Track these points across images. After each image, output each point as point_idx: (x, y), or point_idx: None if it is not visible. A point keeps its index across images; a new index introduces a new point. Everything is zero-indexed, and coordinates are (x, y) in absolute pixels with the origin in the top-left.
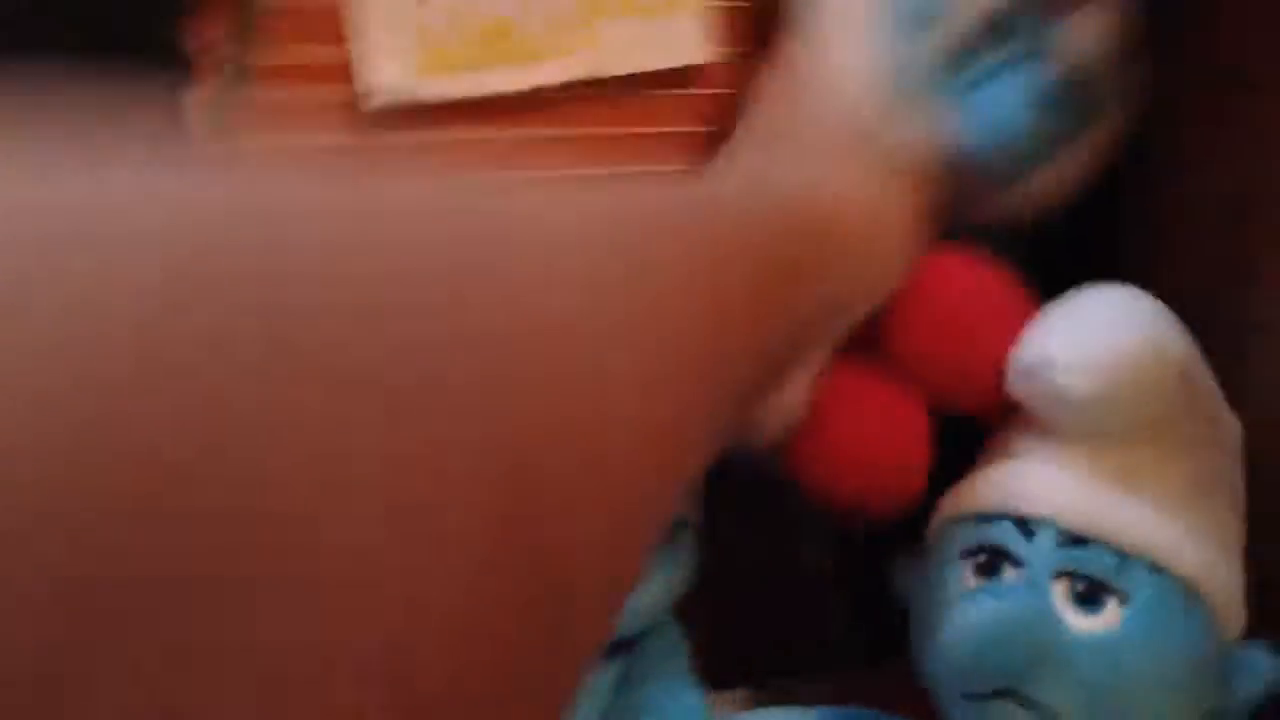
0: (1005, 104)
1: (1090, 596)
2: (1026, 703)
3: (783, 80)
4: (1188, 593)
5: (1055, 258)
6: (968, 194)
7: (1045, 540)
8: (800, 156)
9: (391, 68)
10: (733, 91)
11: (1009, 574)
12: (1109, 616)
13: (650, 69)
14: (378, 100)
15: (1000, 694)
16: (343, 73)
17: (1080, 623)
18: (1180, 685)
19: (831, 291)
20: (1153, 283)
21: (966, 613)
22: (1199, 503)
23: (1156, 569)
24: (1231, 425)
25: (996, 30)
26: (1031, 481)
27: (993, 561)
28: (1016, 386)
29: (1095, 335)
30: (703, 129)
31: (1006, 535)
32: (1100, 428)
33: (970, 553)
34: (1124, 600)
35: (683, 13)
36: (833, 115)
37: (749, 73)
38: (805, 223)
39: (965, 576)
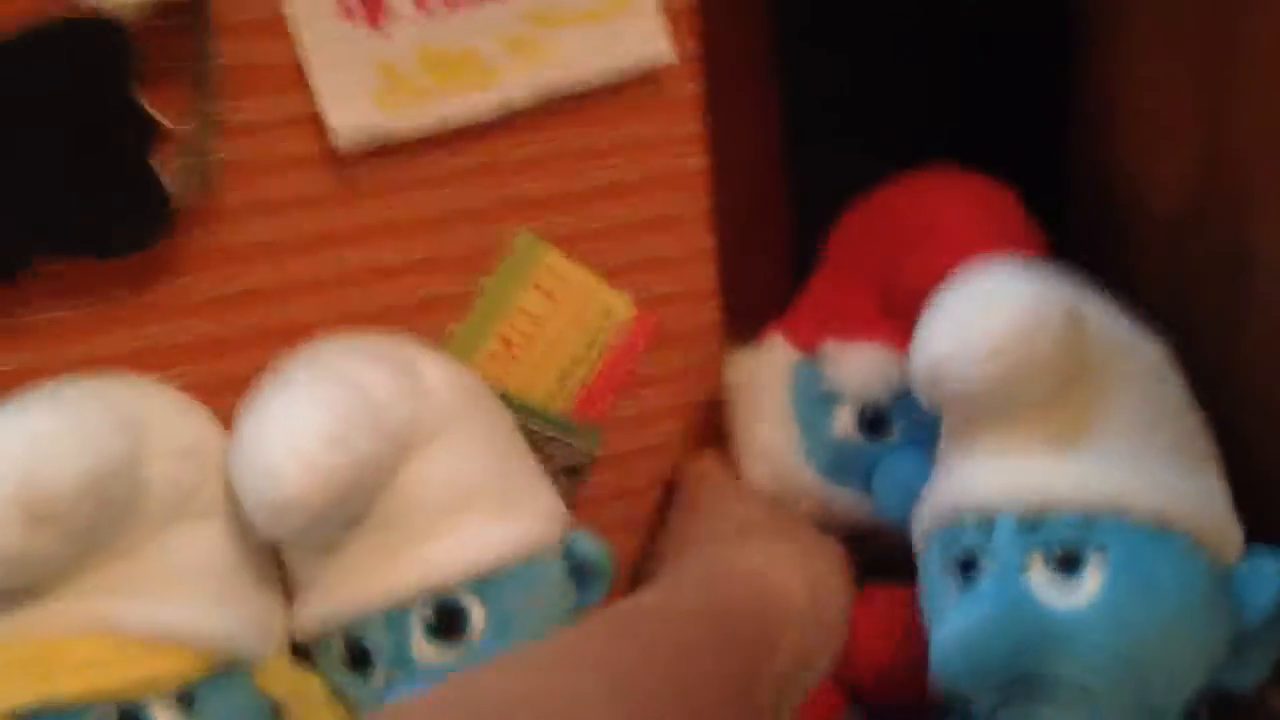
0: (906, 475)
1: (1068, 565)
2: (1050, 681)
3: (719, 474)
4: (1160, 528)
5: None
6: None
7: (1006, 528)
8: (744, 548)
9: (356, 105)
10: (697, 87)
11: (984, 571)
12: (1094, 578)
13: (612, 72)
14: (347, 139)
15: (1021, 680)
16: (310, 120)
17: (1068, 593)
18: (1186, 618)
19: (790, 656)
20: None
21: (945, 632)
22: (1139, 438)
23: (1119, 516)
24: (1150, 349)
25: (897, 411)
26: (973, 478)
27: (968, 565)
28: (923, 398)
29: (972, 327)
30: (673, 128)
31: (971, 537)
32: (1012, 405)
33: (947, 565)
34: (1103, 558)
35: (631, 14)
36: (764, 499)
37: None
38: (755, 606)
39: (949, 589)
